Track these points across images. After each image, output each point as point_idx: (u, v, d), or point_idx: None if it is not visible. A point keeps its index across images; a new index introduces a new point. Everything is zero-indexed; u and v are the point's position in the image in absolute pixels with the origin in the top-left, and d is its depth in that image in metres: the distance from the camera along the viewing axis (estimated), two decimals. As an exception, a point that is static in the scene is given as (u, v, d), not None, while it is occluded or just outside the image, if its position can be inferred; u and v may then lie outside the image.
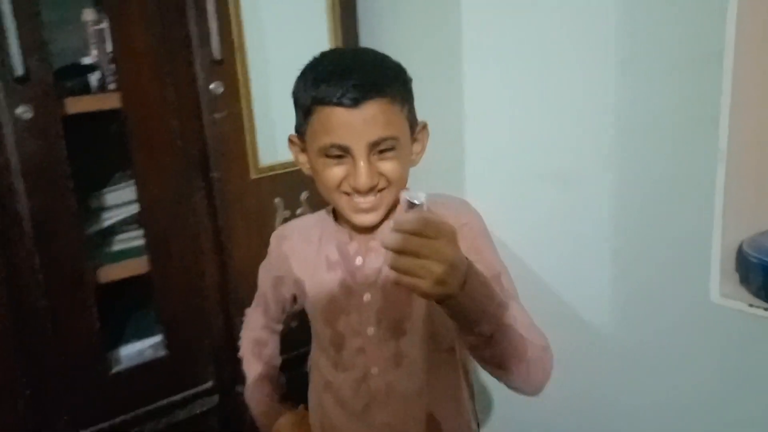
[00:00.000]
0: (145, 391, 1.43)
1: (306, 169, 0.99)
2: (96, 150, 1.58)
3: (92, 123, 1.46)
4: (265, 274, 1.18)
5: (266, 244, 1.51)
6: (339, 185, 0.92)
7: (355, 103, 0.86)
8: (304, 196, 1.56)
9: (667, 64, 1.06)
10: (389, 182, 0.92)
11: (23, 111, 1.19)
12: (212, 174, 1.43)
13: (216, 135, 1.42)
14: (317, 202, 1.58)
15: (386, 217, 0.96)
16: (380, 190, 0.92)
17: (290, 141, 1.01)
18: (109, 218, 1.48)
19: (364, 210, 0.93)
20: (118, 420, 1.40)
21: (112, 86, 1.39)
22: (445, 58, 1.47)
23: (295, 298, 1.16)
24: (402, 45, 1.58)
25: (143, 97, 1.34)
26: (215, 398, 1.52)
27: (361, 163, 0.88)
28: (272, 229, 1.52)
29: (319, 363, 1.10)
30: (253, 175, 1.48)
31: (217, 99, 1.40)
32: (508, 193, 1.42)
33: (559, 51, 1.24)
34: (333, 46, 1.56)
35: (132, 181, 1.49)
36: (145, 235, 1.41)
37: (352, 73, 0.87)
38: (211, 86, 1.39)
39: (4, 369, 1.24)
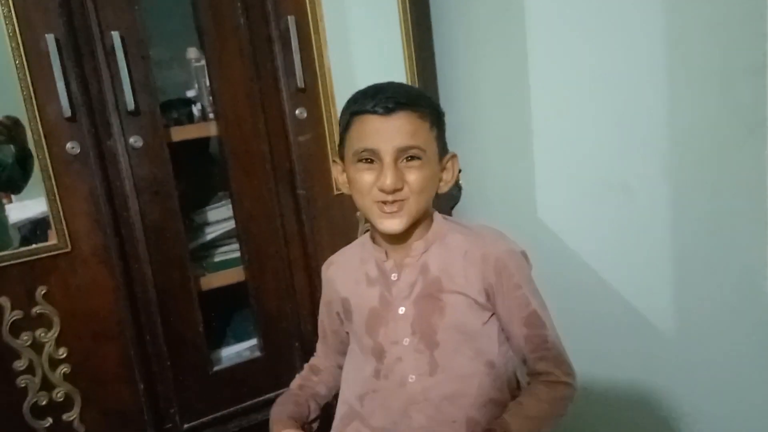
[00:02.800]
0: (242, 389, 1.58)
1: (345, 188, 1.08)
2: (198, 172, 1.78)
3: (194, 149, 1.65)
4: (322, 305, 1.25)
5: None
6: (369, 190, 1.00)
7: (387, 111, 0.97)
8: (384, 209, 1.67)
9: (714, 75, 1.08)
10: (411, 191, 0.99)
11: (135, 140, 1.38)
12: (299, 191, 1.57)
13: (302, 156, 1.55)
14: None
15: (414, 229, 1.06)
16: (404, 199, 1.00)
17: (333, 163, 1.13)
18: (211, 233, 1.66)
19: (388, 214, 1.01)
20: (219, 414, 1.55)
21: (211, 116, 1.56)
22: (512, 78, 1.54)
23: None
24: (474, 70, 1.67)
25: (238, 124, 1.50)
26: (305, 397, 1.65)
27: (388, 165, 0.98)
28: (355, 239, 1.64)
29: (359, 374, 1.15)
30: (336, 191, 1.61)
31: (302, 123, 1.54)
32: (578, 203, 1.46)
33: (615, 65, 1.28)
34: (409, 74, 1.67)
35: (227, 201, 1.66)
36: (241, 247, 1.57)
37: (386, 90, 0.99)
38: (297, 112, 1.53)
39: (124, 366, 1.42)
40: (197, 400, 1.53)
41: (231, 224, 1.66)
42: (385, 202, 1.00)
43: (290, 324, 1.63)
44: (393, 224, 1.02)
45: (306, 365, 1.30)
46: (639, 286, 1.34)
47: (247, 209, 1.55)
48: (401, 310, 1.07)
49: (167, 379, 1.48)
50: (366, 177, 1.01)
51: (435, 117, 1.02)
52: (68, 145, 1.31)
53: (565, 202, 1.49)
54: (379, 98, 0.98)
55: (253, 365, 1.60)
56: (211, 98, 1.53)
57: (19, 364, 1.32)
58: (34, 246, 1.32)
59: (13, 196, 1.40)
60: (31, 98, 1.26)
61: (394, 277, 1.08)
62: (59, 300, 1.34)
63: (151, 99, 1.39)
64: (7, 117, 1.32)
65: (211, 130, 1.52)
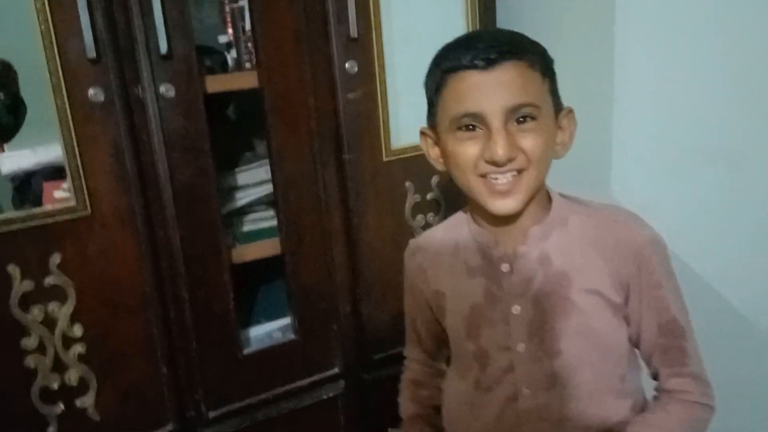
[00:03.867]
0: (274, 374, 1.42)
1: (439, 164, 0.92)
2: (226, 129, 1.59)
3: (224, 102, 1.46)
4: (408, 299, 1.09)
5: (395, 228, 1.47)
6: (474, 164, 0.84)
7: (489, 63, 0.79)
8: (435, 180, 1.50)
9: None
10: (529, 160, 0.82)
11: (166, 89, 1.19)
12: (345, 155, 1.39)
13: (350, 115, 1.37)
14: (449, 188, 1.51)
15: (526, 207, 0.87)
16: (519, 171, 0.83)
17: (421, 134, 0.95)
18: (242, 198, 1.48)
19: (501, 193, 0.84)
20: (247, 402, 1.39)
21: (248, 65, 1.38)
22: (595, 26, 1.35)
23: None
24: (543, 15, 1.48)
25: (282, 75, 1.31)
26: (341, 384, 1.49)
27: (497, 131, 0.80)
28: (402, 213, 1.48)
29: (457, 386, 1.00)
30: (386, 157, 1.43)
31: (352, 78, 1.35)
32: (664, 178, 1.29)
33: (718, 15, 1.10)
34: (469, 27, 1.48)
35: (261, 162, 1.48)
36: (279, 216, 1.39)
37: (483, 37, 0.83)
38: (347, 65, 1.34)
39: (146, 346, 1.25)
40: (224, 386, 1.37)
41: (264, 189, 1.49)
42: (495, 178, 0.83)
43: (328, 305, 1.46)
44: (507, 204, 0.84)
45: (405, 380, 1.12)
46: (739, 280, 1.18)
47: (286, 173, 1.37)
48: (515, 310, 0.90)
49: (192, 361, 1.31)
50: (469, 149, 0.84)
51: (546, 65, 0.85)
52: (91, 91, 1.12)
53: (648, 176, 1.32)
54: (477, 48, 0.80)
55: (285, 348, 1.44)
56: (250, 45, 1.34)
57: (29, 342, 1.15)
58: (49, 207, 1.13)
59: (5, 146, 1.25)
60: (51, 33, 1.06)
61: (505, 268, 0.91)
62: (75, 269, 1.16)
63: (187, 42, 1.20)
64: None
65: (249, 81, 1.32)
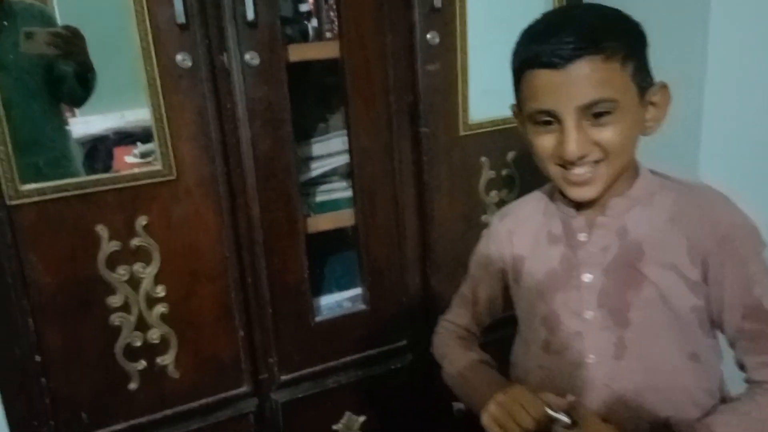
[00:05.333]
0: (344, 343, 1.44)
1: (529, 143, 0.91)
2: (303, 99, 1.59)
3: (302, 71, 1.46)
4: (479, 262, 1.10)
5: (468, 204, 1.46)
6: (551, 156, 0.86)
7: (563, 62, 0.78)
8: (510, 156, 1.47)
9: None
10: (606, 153, 0.83)
11: (251, 57, 1.20)
12: (421, 128, 1.38)
13: (428, 88, 1.35)
14: (524, 165, 1.48)
15: (609, 189, 0.88)
16: (596, 162, 0.83)
17: (513, 112, 0.95)
18: (317, 168, 1.48)
19: (576, 183, 0.85)
20: (316, 368, 1.42)
21: (328, 35, 1.37)
22: (690, 4, 1.29)
23: (506, 293, 1.08)
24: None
25: (362, 45, 1.30)
26: (408, 357, 1.50)
27: (569, 130, 0.81)
28: (476, 189, 1.46)
29: (525, 351, 1.00)
30: (462, 132, 1.41)
31: (433, 50, 1.33)
32: (754, 161, 1.23)
33: None
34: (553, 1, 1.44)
35: (336, 133, 1.48)
36: (354, 187, 1.39)
37: (562, 30, 0.79)
38: (428, 36, 1.32)
39: (224, 310, 1.28)
40: (296, 352, 1.39)
41: (339, 160, 1.49)
42: (571, 169, 0.84)
43: (398, 277, 1.47)
44: (584, 193, 0.86)
45: (451, 338, 1.12)
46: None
47: (363, 144, 1.36)
48: (587, 278, 0.91)
49: (267, 327, 1.34)
50: (545, 141, 0.85)
51: (629, 48, 0.81)
52: (178, 57, 1.14)
53: (740, 159, 1.26)
54: (552, 43, 0.79)
55: (355, 318, 1.45)
56: (332, 14, 1.33)
57: (114, 301, 1.19)
58: (137, 171, 1.16)
59: (76, 111, 1.27)
60: (142, -1, 1.08)
61: (582, 237, 0.92)
62: (160, 233, 1.19)
63: (272, 10, 1.20)
64: (66, 27, 1.16)
65: (330, 50, 1.32)
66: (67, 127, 1.27)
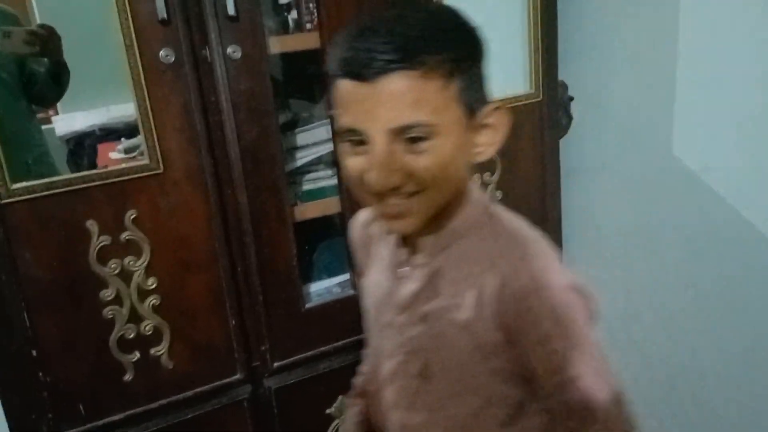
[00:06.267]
0: (335, 328, 1.47)
1: None
2: (284, 90, 1.61)
3: (283, 63, 1.48)
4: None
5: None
6: (361, 181, 0.72)
7: (372, 75, 0.66)
8: (492, 139, 1.50)
9: None
10: (423, 184, 0.70)
11: (233, 50, 1.22)
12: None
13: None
14: (509, 148, 1.51)
15: (433, 222, 0.76)
16: (412, 194, 0.71)
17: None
18: (302, 158, 1.51)
19: (391, 216, 0.73)
20: (310, 354, 1.45)
21: (308, 26, 1.39)
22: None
23: None
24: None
25: (342, 35, 1.32)
26: (398, 339, 1.53)
27: (376, 155, 0.68)
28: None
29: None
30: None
31: (412, 37, 1.36)
32: (731, 138, 1.27)
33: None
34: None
35: (319, 122, 1.50)
36: (339, 175, 1.42)
37: (376, 36, 0.66)
38: (407, 24, 1.34)
39: (215, 299, 1.31)
40: (288, 338, 1.42)
41: (323, 149, 1.51)
42: (385, 197, 0.72)
43: (385, 261, 1.49)
44: (397, 226, 0.75)
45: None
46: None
47: (346, 133, 1.38)
48: (399, 320, 0.83)
49: (258, 314, 1.37)
50: (355, 164, 0.72)
51: (457, 62, 0.69)
52: (161, 53, 1.15)
53: (713, 136, 1.30)
54: (363, 51, 0.66)
55: (345, 303, 1.48)
56: (311, 5, 1.35)
57: (107, 294, 1.21)
58: (124, 166, 1.18)
59: (59, 108, 1.29)
60: (123, -5, 1.10)
61: (402, 273, 0.83)
62: (149, 226, 1.21)
63: (253, 3, 1.21)
64: (42, 26, 1.18)
65: (311, 41, 1.34)
66: (50, 125, 1.28)
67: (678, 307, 1.47)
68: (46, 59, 1.22)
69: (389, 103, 0.67)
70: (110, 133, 1.30)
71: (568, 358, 0.71)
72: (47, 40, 1.18)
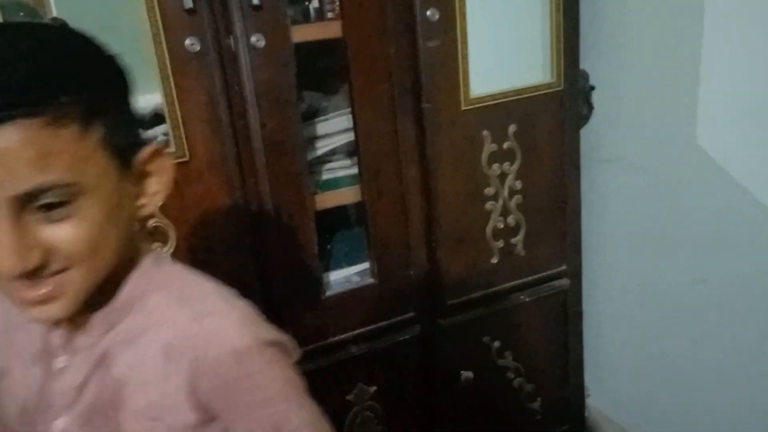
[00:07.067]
0: (353, 316, 1.48)
1: None
2: (305, 80, 1.62)
3: (303, 53, 1.48)
4: None
5: (471, 177, 1.50)
6: None
7: None
8: (512, 129, 1.50)
9: None
10: (70, 260, 0.57)
11: (257, 39, 1.22)
12: (423, 104, 1.41)
13: (429, 64, 1.38)
14: (525, 137, 1.52)
15: (95, 300, 0.63)
16: (59, 272, 0.57)
17: None
18: (322, 147, 1.52)
19: (33, 302, 0.58)
20: (329, 341, 1.46)
21: (330, 15, 1.39)
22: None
23: None
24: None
25: (363, 24, 1.32)
26: (417, 328, 1.55)
27: (0, 234, 0.53)
28: (478, 162, 1.50)
29: None
30: (464, 106, 1.44)
31: (433, 26, 1.36)
32: (756, 126, 1.27)
33: None
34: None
35: (338, 112, 1.51)
36: (359, 164, 1.43)
37: None
38: (428, 12, 1.35)
39: (238, 287, 1.31)
40: (308, 326, 1.43)
41: (342, 139, 1.52)
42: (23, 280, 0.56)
43: (404, 252, 1.51)
44: (44, 313, 0.59)
45: None
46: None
47: (367, 122, 1.39)
48: (58, 425, 0.66)
49: (280, 302, 1.38)
50: None
51: (94, 102, 0.56)
52: (187, 42, 1.16)
53: (737, 124, 1.30)
54: None
55: (364, 292, 1.49)
56: (333, -6, 1.35)
57: (133, 280, 1.23)
58: (151, 153, 1.19)
59: None
60: (150, -16, 1.11)
61: (60, 363, 0.67)
62: (175, 213, 1.23)
63: (276, -8, 1.22)
64: (54, 19, 1.16)
65: (333, 30, 1.34)
66: None
67: (694, 299, 1.47)
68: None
69: (4, 165, 0.51)
70: None
71: (280, 420, 0.63)
72: None
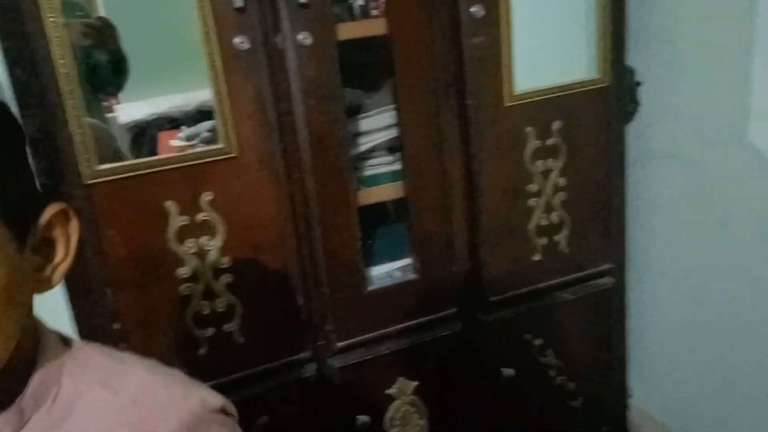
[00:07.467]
0: (397, 311, 1.49)
1: None
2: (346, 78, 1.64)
3: (346, 50, 1.50)
4: None
5: (515, 174, 1.49)
6: None
7: None
8: (556, 125, 1.50)
9: None
10: None
11: (303, 37, 1.25)
12: (467, 101, 1.41)
13: (473, 60, 1.39)
14: (570, 133, 1.51)
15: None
16: None
17: None
18: (365, 143, 1.53)
19: None
20: (372, 335, 1.48)
21: (374, 12, 1.41)
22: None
23: None
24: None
25: (408, 21, 1.34)
26: (458, 324, 1.55)
27: None
28: (521, 159, 1.49)
29: None
30: (507, 102, 1.44)
31: (477, 22, 1.36)
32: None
33: None
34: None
35: (381, 109, 1.52)
36: (403, 160, 1.44)
37: None
38: (472, 9, 1.35)
39: (283, 280, 1.35)
40: (351, 319, 1.45)
41: (384, 135, 1.53)
42: None
43: (447, 248, 1.51)
44: None
45: None
46: None
47: (411, 118, 1.41)
48: None
49: (323, 296, 1.41)
50: None
51: None
52: (237, 39, 1.19)
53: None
54: None
55: (406, 287, 1.51)
56: (377, -8, 1.37)
57: (183, 272, 1.27)
58: (202, 149, 1.23)
59: (120, 97, 1.32)
60: (202, -16, 1.14)
61: None
62: (223, 207, 1.26)
63: (323, -10, 1.24)
64: (99, 18, 1.22)
65: (377, 28, 1.36)
66: (113, 114, 1.32)
67: (743, 299, 1.44)
68: (104, 51, 1.25)
69: None
70: (170, 122, 1.35)
71: None
72: (102, 32, 1.23)
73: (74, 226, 0.55)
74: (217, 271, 1.28)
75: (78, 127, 1.12)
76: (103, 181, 1.17)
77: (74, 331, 1.21)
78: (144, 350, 1.24)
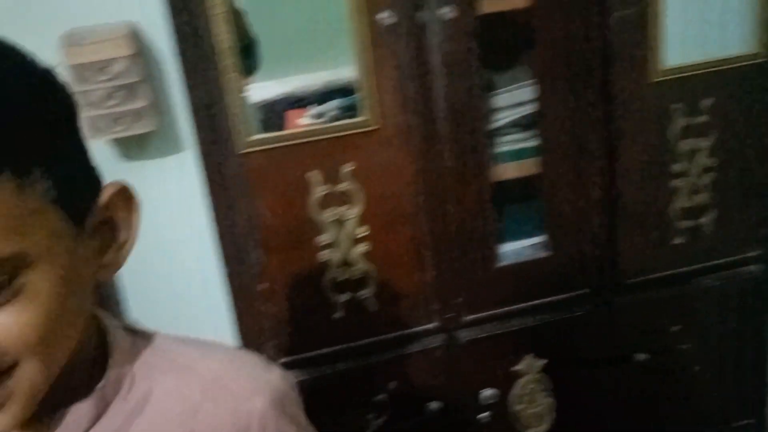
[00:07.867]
0: (528, 287, 1.49)
1: None
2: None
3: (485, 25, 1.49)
4: None
5: (659, 152, 1.43)
6: None
7: None
8: (707, 103, 1.41)
9: None
10: (18, 353, 0.44)
11: (448, 11, 1.26)
12: (611, 76, 1.37)
13: (619, 34, 1.34)
14: (722, 111, 1.43)
15: (58, 392, 0.50)
16: (5, 371, 0.44)
17: None
18: (502, 119, 1.52)
19: None
20: (501, 310, 1.49)
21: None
22: None
23: None
24: None
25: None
26: (591, 305, 1.52)
27: None
28: (666, 137, 1.43)
29: None
30: (654, 78, 1.38)
31: (628, -7, 1.31)
32: None
33: None
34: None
35: (518, 84, 1.51)
36: (541, 136, 1.42)
37: None
38: (623, -21, 1.30)
39: (416, 252, 1.39)
40: (481, 294, 1.47)
41: (521, 111, 1.51)
42: None
43: (583, 226, 1.48)
44: None
45: None
46: None
47: (550, 94, 1.38)
48: None
49: (455, 269, 1.42)
50: None
51: (32, 149, 0.43)
52: (384, 14, 1.22)
53: None
54: None
55: (538, 264, 1.49)
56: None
57: (323, 239, 1.33)
58: (346, 122, 1.28)
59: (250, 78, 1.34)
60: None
61: None
62: (363, 179, 1.31)
63: (468, -37, 1.24)
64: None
65: (520, 1, 1.34)
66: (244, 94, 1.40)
67: None
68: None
69: None
70: (296, 101, 1.40)
71: None
72: (239, 21, 1.25)
73: (135, 204, 0.52)
74: (354, 240, 1.34)
75: (235, 98, 1.20)
76: (255, 151, 1.25)
77: (227, 291, 1.31)
78: (285, 311, 1.33)
